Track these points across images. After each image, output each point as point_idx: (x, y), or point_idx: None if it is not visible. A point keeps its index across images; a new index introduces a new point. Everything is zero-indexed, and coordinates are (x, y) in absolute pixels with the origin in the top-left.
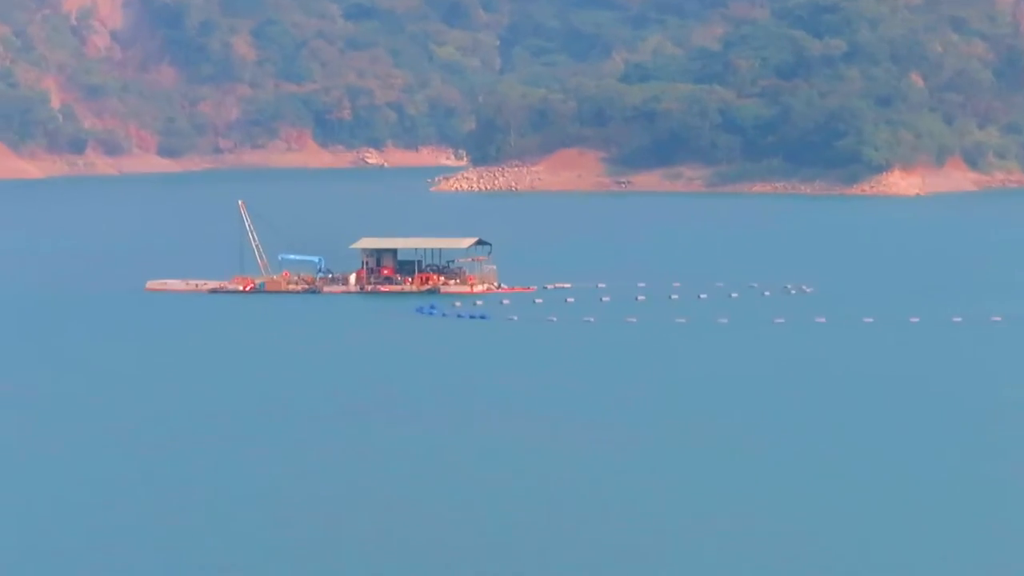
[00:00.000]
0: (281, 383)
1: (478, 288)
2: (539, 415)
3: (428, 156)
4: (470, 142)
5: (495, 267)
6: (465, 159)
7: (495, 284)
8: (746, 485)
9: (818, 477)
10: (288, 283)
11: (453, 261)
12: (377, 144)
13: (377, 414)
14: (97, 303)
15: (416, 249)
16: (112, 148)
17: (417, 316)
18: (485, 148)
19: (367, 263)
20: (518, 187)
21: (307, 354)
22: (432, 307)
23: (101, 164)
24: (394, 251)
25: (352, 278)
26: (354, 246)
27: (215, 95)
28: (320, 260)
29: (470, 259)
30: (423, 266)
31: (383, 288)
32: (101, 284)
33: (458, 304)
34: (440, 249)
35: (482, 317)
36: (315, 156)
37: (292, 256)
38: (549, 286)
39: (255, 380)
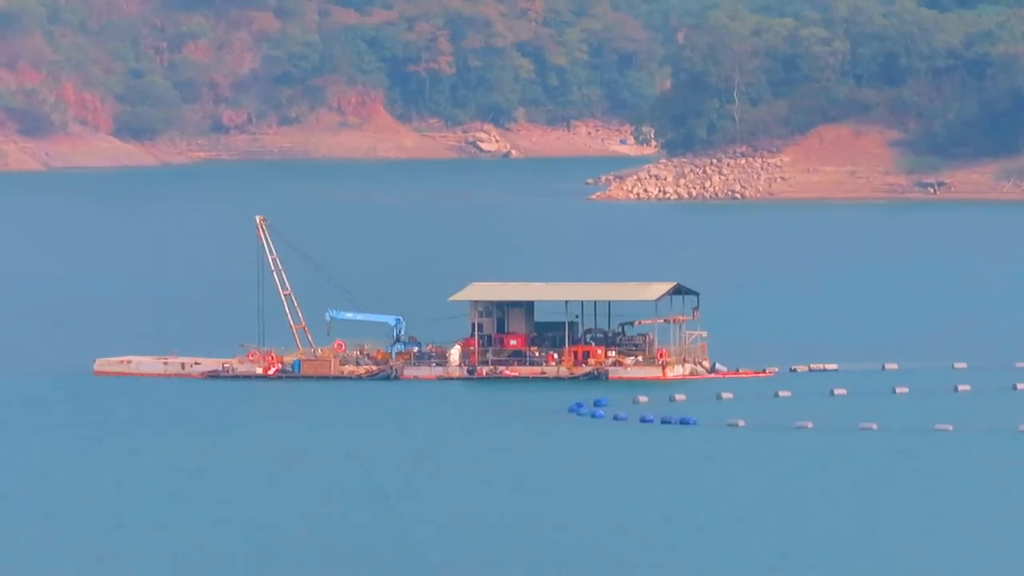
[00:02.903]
0: None
1: (676, 371)
2: None
3: (587, 139)
4: (661, 114)
5: (706, 334)
6: (652, 144)
7: (706, 364)
8: None
9: None
10: (342, 361)
11: (632, 324)
12: (499, 117)
13: None
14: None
15: (566, 303)
16: (33, 124)
17: (570, 421)
18: (688, 125)
19: (480, 327)
20: (746, 193)
21: (373, 508)
22: (597, 404)
23: (15, 152)
24: (527, 306)
25: (454, 352)
26: (457, 297)
27: (215, 32)
28: (398, 322)
29: (662, 320)
30: (580, 332)
31: (508, 371)
32: (16, 364)
33: (642, 399)
34: (609, 303)
35: (685, 422)
36: (390, 137)
37: (348, 315)
38: (799, 367)
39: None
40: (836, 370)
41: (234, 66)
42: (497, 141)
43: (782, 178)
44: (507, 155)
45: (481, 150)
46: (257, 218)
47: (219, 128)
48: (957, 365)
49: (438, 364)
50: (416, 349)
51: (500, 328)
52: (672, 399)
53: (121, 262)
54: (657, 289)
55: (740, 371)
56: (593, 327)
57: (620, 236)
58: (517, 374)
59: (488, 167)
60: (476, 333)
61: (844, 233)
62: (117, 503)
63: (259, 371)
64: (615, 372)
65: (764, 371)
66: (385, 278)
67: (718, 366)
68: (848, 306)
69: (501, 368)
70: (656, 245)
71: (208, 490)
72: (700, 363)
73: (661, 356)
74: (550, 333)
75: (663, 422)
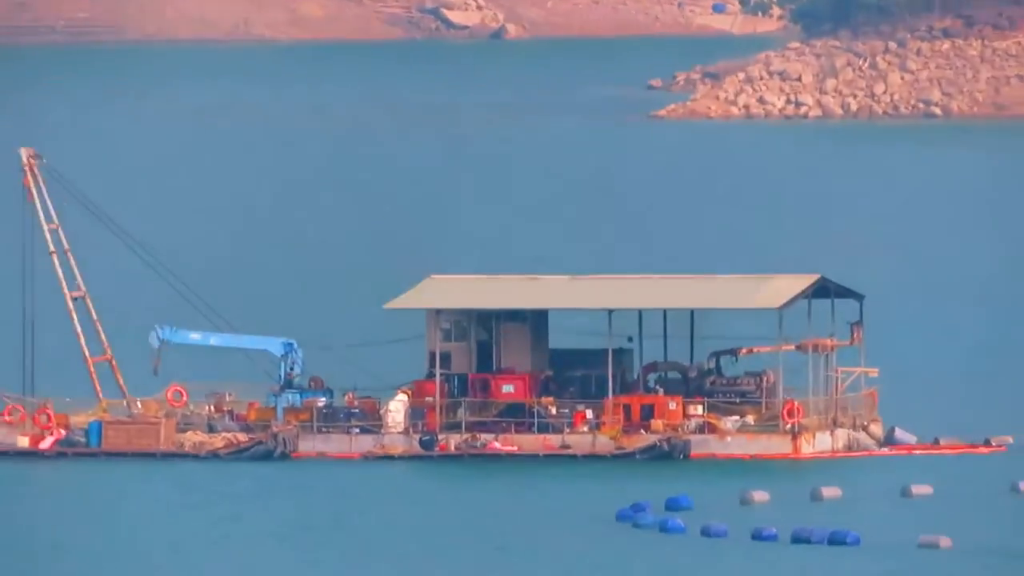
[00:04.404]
0: None
1: (817, 442)
2: None
3: (650, 4)
4: None
5: (876, 372)
6: (774, 14)
7: (877, 430)
8: None
9: None
10: (182, 422)
11: (735, 354)
12: None
13: None
14: None
15: (610, 313)
16: None
17: (620, 537)
18: None
19: (446, 358)
20: (951, 105)
21: None
22: (670, 508)
23: None
24: (534, 319)
25: (396, 408)
26: (401, 304)
27: None
28: (288, 351)
29: (793, 346)
30: (638, 370)
31: (499, 443)
32: None
33: (758, 498)
34: (692, 311)
35: (838, 541)
36: (277, 1)
37: (195, 337)
38: None
39: None
40: None
41: None
42: (481, 8)
43: (1018, 77)
44: (499, 34)
45: (452, 26)
46: (23, 153)
47: None
48: None
49: (365, 429)
50: (324, 401)
51: (483, 361)
52: (816, 496)
53: None
54: (785, 287)
55: (941, 442)
56: (667, 360)
57: (711, 186)
58: (515, 448)
59: (465, 56)
60: (434, 369)
61: None
62: None
63: (23, 442)
64: (704, 445)
65: (986, 443)
66: (268, 270)
67: (898, 433)
68: None
69: (485, 437)
70: (780, 205)
71: None
72: (866, 427)
73: (789, 411)
74: (579, 370)
75: (796, 541)
